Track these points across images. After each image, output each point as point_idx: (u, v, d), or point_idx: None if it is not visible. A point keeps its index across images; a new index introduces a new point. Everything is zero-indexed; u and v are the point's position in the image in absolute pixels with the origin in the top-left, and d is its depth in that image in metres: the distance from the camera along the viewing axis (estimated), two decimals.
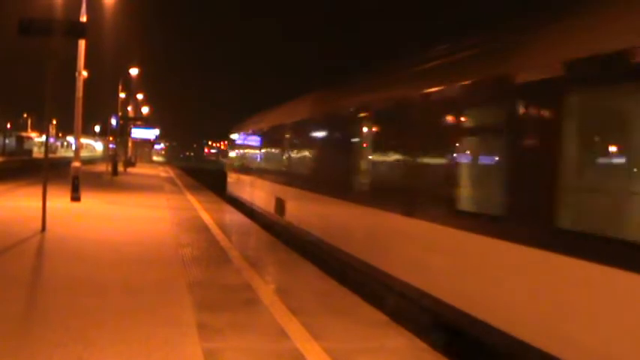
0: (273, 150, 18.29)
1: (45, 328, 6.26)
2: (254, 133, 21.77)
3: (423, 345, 6.42)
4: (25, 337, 5.92)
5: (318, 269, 10.37)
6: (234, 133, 27.08)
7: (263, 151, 20.13)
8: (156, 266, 9.93)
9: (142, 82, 75.18)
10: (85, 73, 21.75)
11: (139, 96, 74.66)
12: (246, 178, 22.40)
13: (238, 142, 25.92)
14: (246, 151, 23.85)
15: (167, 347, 5.83)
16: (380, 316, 7.49)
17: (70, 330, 6.17)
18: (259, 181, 19.48)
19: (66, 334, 6.04)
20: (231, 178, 26.87)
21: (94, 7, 26.63)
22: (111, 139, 50.19)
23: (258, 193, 19.66)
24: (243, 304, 7.69)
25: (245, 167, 23.19)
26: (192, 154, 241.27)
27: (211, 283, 8.88)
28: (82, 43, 20.81)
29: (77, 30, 13.46)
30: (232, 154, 28.13)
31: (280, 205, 15.60)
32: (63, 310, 6.92)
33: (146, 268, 9.68)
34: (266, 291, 8.46)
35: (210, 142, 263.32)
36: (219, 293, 8.21)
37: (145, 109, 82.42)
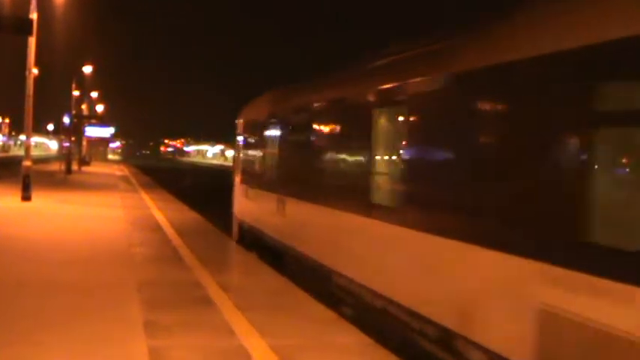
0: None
1: None
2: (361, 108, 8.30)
3: (369, 340, 6.57)
4: None
5: (272, 269, 10.42)
6: (264, 113, 13.44)
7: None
8: (106, 266, 9.87)
9: (98, 80, 74.24)
10: (35, 71, 21.39)
11: (94, 94, 73.60)
12: (299, 208, 10.47)
13: (273, 131, 12.50)
14: (304, 152, 10.59)
15: (113, 346, 5.85)
16: (329, 314, 7.61)
17: (16, 330, 6.14)
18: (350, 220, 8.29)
19: (12, 334, 6.01)
20: (253, 199, 13.74)
21: (48, 2, 26.25)
22: (64, 137, 49.35)
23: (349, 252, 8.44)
24: (192, 302, 7.72)
25: (297, 181, 10.83)
26: (148, 152, 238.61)
27: (161, 281, 8.89)
28: (32, 41, 20.40)
29: (24, 27, 13.28)
30: (255, 154, 14.19)
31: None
32: (9, 311, 6.87)
33: (96, 268, 9.62)
34: (216, 289, 8.50)
35: (166, 141, 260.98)
36: (169, 292, 8.23)
37: (100, 107, 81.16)
